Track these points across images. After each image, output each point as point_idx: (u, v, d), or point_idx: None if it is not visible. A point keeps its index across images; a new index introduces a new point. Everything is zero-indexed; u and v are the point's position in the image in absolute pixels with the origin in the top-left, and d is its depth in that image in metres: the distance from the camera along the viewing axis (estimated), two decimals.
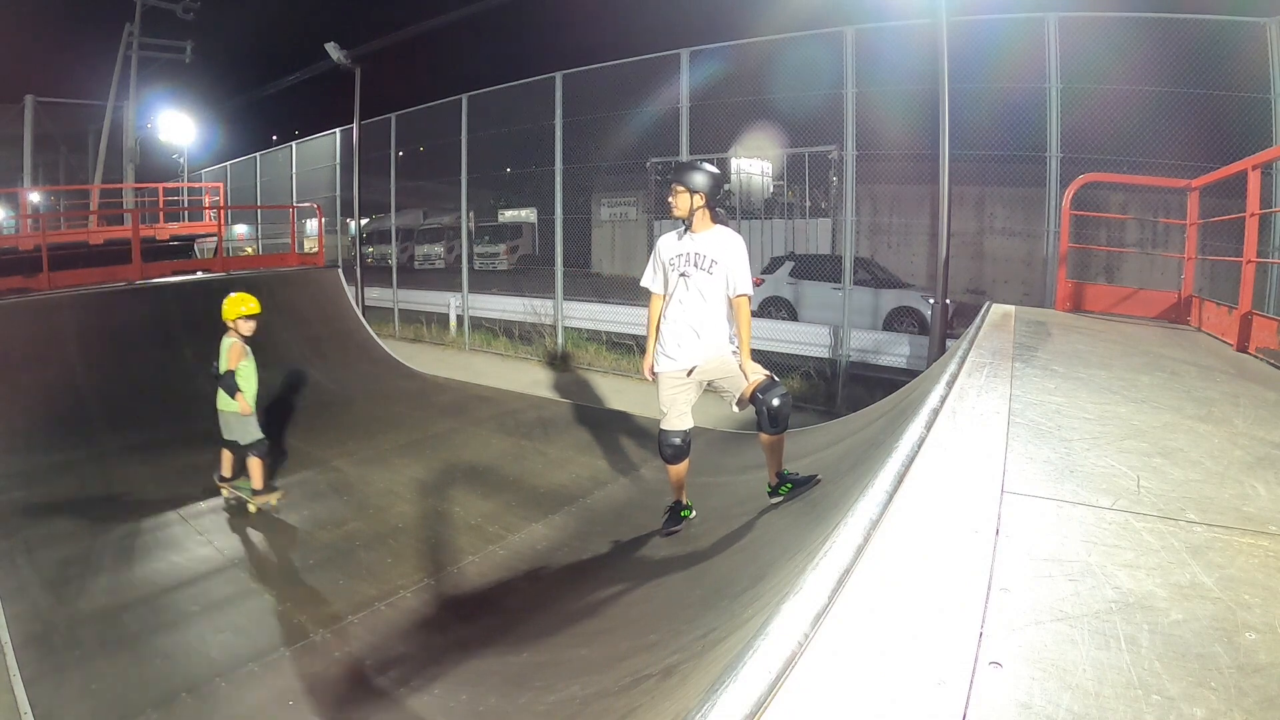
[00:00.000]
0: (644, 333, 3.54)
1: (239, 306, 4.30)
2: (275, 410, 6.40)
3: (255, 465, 4.21)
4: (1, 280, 7.71)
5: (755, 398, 3.27)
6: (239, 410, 4.14)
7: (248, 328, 4.30)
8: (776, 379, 3.34)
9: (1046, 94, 5.74)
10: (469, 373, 7.99)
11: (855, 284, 8.35)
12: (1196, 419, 2.16)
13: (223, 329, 4.29)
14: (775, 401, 3.24)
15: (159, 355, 6.91)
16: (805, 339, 7.20)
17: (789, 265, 9.69)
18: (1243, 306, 3.48)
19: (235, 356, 4.21)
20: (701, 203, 3.28)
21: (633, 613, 2.85)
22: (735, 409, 3.44)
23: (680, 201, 3.27)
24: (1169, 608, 1.10)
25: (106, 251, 10.86)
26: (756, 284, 9.52)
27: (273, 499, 4.23)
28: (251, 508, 4.20)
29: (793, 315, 9.17)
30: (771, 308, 9.43)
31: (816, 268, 8.96)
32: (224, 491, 4.34)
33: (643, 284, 3.48)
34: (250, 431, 4.21)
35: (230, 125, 22.67)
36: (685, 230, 3.32)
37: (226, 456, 4.30)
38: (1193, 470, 1.71)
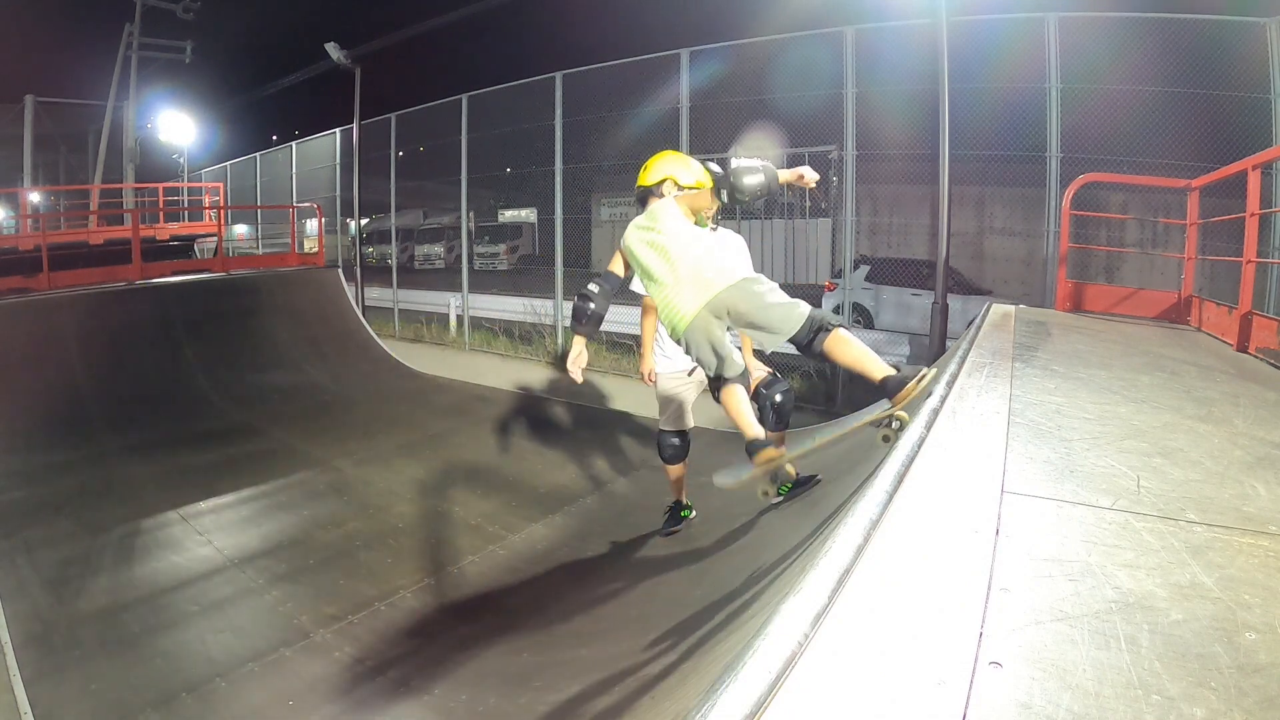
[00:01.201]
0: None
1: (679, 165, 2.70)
2: (275, 410, 6.40)
3: (851, 339, 2.29)
4: (1, 280, 7.71)
5: (759, 394, 3.27)
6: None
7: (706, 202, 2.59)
8: (779, 375, 3.35)
9: (1046, 94, 5.74)
10: (469, 373, 7.99)
11: (930, 289, 8.21)
12: (1196, 419, 2.16)
13: (646, 196, 2.72)
14: (778, 397, 3.24)
15: (159, 355, 6.92)
16: None
17: (864, 269, 8.98)
18: (1243, 306, 3.47)
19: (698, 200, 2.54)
20: None
21: (633, 613, 2.85)
22: None
23: (715, 204, 3.25)
24: (1169, 608, 1.10)
25: (106, 251, 10.85)
26: (828, 289, 9.43)
27: (923, 385, 2.16)
28: (896, 424, 2.18)
29: (868, 322, 8.52)
30: (843, 314, 8.65)
31: (896, 271, 8.29)
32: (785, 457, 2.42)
33: (634, 288, 3.42)
34: (786, 296, 2.36)
35: (230, 125, 22.66)
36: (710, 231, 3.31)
37: (735, 395, 2.44)
38: (1193, 470, 1.71)
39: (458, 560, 3.58)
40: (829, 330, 2.25)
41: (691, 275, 2.36)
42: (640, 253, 2.50)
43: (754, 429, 2.41)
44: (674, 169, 2.73)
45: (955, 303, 8.04)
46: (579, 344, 2.65)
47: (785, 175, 2.44)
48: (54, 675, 2.69)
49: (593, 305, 2.59)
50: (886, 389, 2.21)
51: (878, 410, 2.24)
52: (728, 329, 2.39)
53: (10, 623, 3.00)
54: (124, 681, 2.65)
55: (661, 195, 2.66)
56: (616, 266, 2.64)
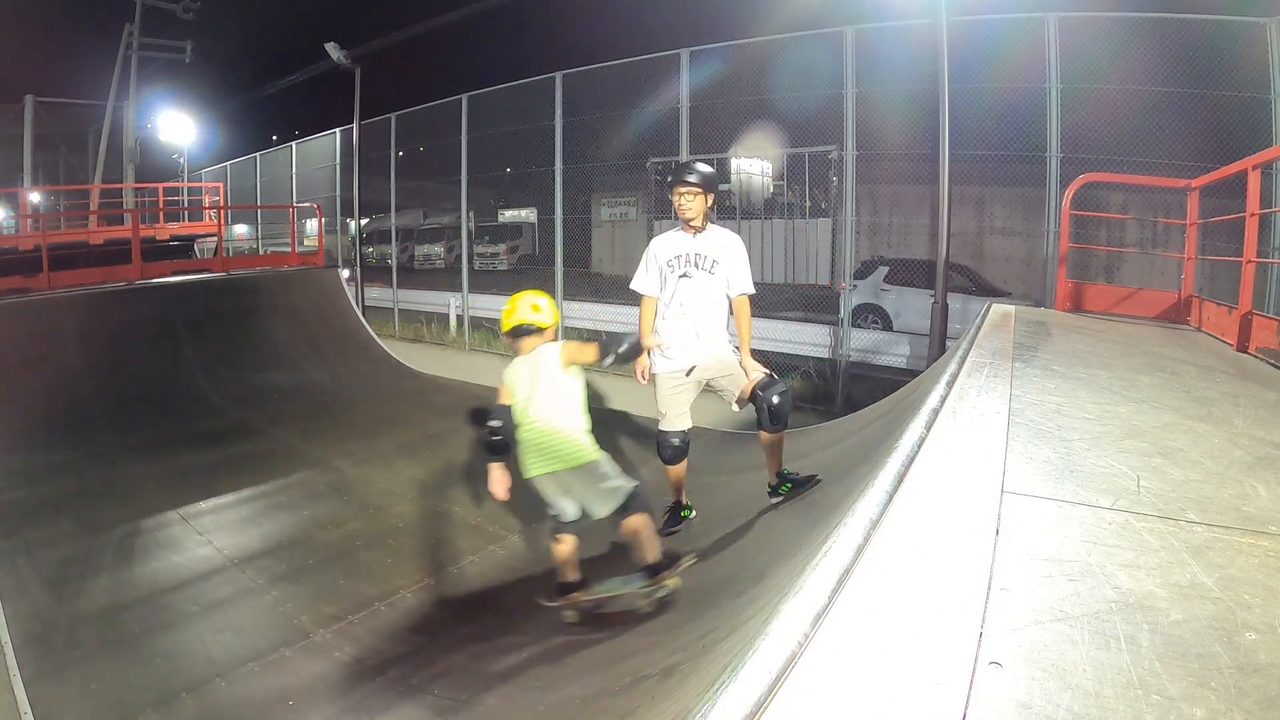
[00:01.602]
0: None
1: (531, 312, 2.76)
2: (275, 410, 6.40)
3: (645, 525, 2.68)
4: (1, 280, 7.71)
5: (755, 395, 3.27)
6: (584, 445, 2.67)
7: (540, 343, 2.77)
8: (776, 376, 3.34)
9: (1046, 94, 5.74)
10: (469, 373, 7.98)
11: (951, 290, 8.18)
12: (1196, 419, 2.16)
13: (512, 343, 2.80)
14: (775, 398, 3.24)
15: (159, 355, 6.92)
16: (805, 339, 7.19)
17: (883, 270, 8.91)
18: (1243, 306, 3.47)
19: (568, 354, 2.70)
20: (711, 203, 3.29)
21: (632, 613, 2.85)
22: (735, 408, 3.44)
23: (697, 204, 3.26)
24: (1169, 608, 1.10)
25: (106, 251, 10.86)
26: (841, 289, 9.44)
27: (680, 571, 2.73)
28: (658, 593, 2.70)
29: (887, 325, 8.50)
30: (862, 317, 8.64)
31: (915, 273, 8.18)
32: (581, 600, 2.83)
33: (634, 287, 3.43)
34: (619, 480, 2.67)
35: (230, 125, 22.70)
36: (696, 232, 3.32)
37: (565, 546, 2.77)
38: (1193, 470, 1.71)
39: (458, 560, 3.58)
40: (638, 512, 2.65)
41: (542, 437, 2.65)
42: (519, 392, 2.72)
43: (571, 576, 2.83)
44: (555, 320, 2.84)
45: (955, 303, 8.03)
46: (497, 470, 2.73)
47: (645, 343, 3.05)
48: (54, 675, 2.69)
49: (501, 436, 2.69)
50: (654, 569, 2.67)
51: (641, 581, 2.71)
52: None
53: (10, 623, 3.00)
54: (124, 681, 2.65)
55: (544, 338, 2.78)
56: (505, 399, 2.76)
